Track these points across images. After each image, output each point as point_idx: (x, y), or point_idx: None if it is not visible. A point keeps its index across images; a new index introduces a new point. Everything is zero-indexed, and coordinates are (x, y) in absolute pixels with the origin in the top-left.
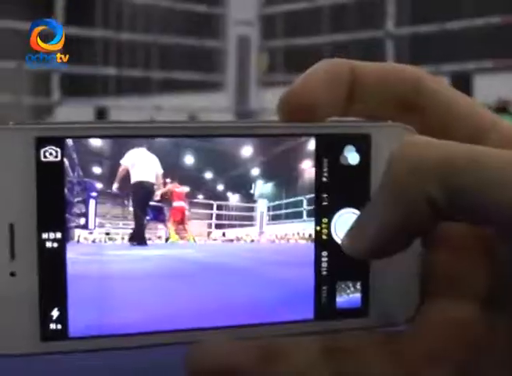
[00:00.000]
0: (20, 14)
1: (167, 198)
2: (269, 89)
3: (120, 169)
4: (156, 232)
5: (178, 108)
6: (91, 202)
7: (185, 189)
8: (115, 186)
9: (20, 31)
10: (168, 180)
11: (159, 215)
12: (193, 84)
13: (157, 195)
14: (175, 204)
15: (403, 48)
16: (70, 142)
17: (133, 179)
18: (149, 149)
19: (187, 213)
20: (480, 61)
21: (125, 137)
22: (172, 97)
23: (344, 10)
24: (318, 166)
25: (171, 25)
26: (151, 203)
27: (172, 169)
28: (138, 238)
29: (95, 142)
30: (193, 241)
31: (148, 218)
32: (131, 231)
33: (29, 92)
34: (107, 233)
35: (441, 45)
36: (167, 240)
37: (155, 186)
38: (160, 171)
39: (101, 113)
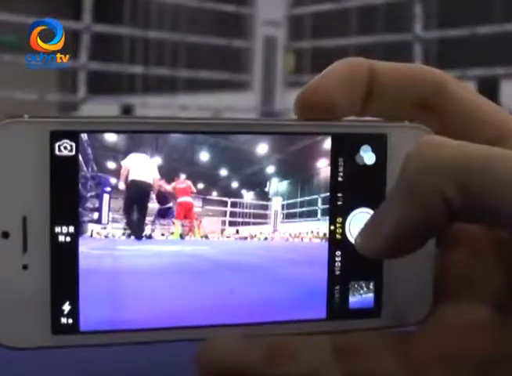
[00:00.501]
0: (49, 12)
1: (172, 196)
2: (295, 90)
3: (122, 170)
4: (170, 228)
5: (203, 107)
6: (105, 197)
7: (189, 183)
8: (121, 186)
9: None
10: (183, 176)
11: (167, 214)
12: (219, 83)
13: (164, 194)
14: (180, 199)
15: (431, 51)
16: (84, 136)
17: (130, 178)
18: (150, 154)
19: (198, 210)
20: (508, 67)
21: (141, 132)
22: (198, 96)
23: (372, 12)
24: (333, 165)
25: (198, 24)
26: (160, 205)
27: (182, 166)
28: (133, 233)
29: (110, 137)
30: (205, 238)
31: (156, 218)
32: (125, 227)
33: (54, 89)
34: (124, 229)
35: (469, 50)
36: (181, 236)
37: (151, 188)
38: (157, 176)
39: (126, 111)
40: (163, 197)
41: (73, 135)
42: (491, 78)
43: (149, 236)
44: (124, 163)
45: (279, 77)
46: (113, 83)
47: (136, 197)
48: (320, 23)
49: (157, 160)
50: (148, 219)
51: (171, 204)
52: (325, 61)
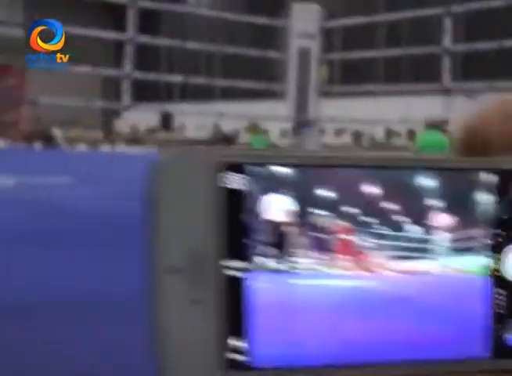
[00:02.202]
0: (93, 23)
1: (331, 231)
2: (327, 100)
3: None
4: (340, 263)
5: (239, 115)
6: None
7: (347, 224)
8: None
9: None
10: (344, 212)
11: (323, 246)
12: (255, 92)
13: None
14: (341, 236)
15: (457, 63)
16: (254, 168)
17: (264, 218)
18: (285, 193)
19: (362, 243)
20: None
21: (309, 167)
22: (234, 104)
23: (400, 26)
24: (494, 201)
25: (235, 36)
26: (317, 234)
27: (343, 199)
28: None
29: (281, 170)
30: (370, 272)
31: (313, 246)
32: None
33: (99, 97)
34: (293, 263)
35: (495, 62)
36: (346, 269)
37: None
38: (291, 208)
39: (166, 118)
40: (321, 232)
41: (244, 168)
42: None
43: (319, 270)
44: (260, 204)
45: (312, 87)
46: (152, 91)
47: (271, 234)
48: (351, 36)
49: (320, 193)
50: (312, 254)
51: (328, 238)
52: (354, 72)
